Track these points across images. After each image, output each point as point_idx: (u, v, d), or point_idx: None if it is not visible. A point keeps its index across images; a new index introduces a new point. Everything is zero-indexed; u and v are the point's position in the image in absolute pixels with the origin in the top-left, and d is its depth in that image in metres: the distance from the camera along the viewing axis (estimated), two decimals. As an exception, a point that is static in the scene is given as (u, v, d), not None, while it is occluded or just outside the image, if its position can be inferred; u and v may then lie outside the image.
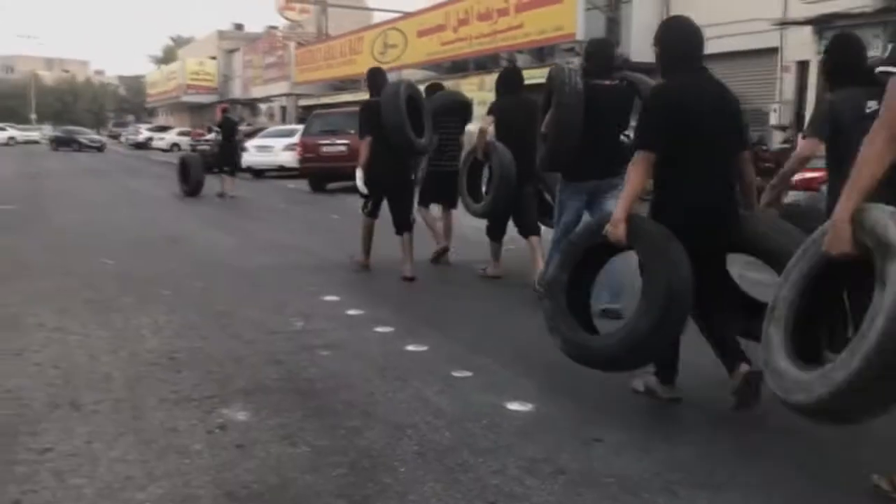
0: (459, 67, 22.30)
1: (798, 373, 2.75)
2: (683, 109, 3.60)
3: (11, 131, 55.18)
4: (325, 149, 16.35)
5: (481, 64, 22.09)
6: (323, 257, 8.05)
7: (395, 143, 6.67)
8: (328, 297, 6.05)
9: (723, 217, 3.71)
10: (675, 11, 17.28)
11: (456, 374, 4.18)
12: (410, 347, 4.68)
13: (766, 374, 2.93)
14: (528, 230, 6.56)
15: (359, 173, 6.97)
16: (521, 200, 6.43)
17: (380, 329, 5.10)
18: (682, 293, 3.43)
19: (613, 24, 18.28)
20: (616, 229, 3.58)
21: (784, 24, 14.48)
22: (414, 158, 7.21)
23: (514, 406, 3.70)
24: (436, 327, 5.19)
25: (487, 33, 20.46)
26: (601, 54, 5.19)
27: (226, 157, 15.32)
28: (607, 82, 5.20)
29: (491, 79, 20.04)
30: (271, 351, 4.60)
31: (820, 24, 13.68)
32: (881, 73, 3.10)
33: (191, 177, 15.11)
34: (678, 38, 3.82)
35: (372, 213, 7.14)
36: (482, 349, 4.65)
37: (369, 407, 3.68)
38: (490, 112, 6.51)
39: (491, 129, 6.47)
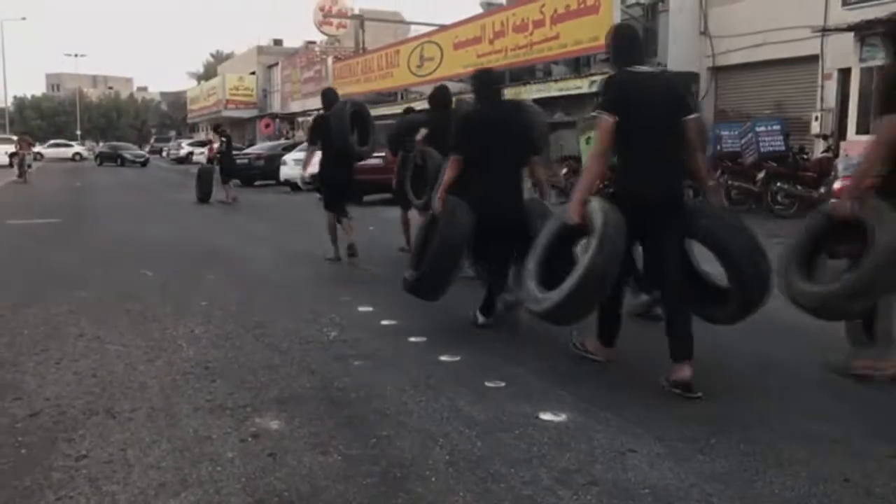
0: (495, 79, 22.30)
1: (537, 293, 4.40)
2: (484, 127, 5.32)
3: (77, 147, 56.20)
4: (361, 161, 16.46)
5: (517, 75, 22.06)
6: (358, 268, 8.08)
7: (339, 150, 8.30)
8: (362, 308, 6.06)
9: (507, 204, 5.27)
10: (712, 20, 17.15)
11: (489, 383, 4.15)
12: (444, 357, 4.66)
13: (524, 290, 4.63)
14: None
15: (300, 171, 9.77)
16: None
17: (413, 339, 5.10)
18: (451, 245, 5.19)
19: (650, 33, 18.15)
20: (437, 204, 5.35)
21: (825, 31, 14.24)
22: (355, 161, 8.72)
23: (547, 416, 3.66)
24: (469, 338, 5.17)
25: (523, 45, 20.40)
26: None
27: (225, 168, 17.77)
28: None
29: (528, 89, 20.06)
30: (305, 360, 4.62)
31: (862, 30, 13.42)
32: (594, 115, 4.37)
33: (202, 185, 17.36)
34: (485, 80, 5.59)
35: (328, 207, 8.63)
36: (515, 359, 4.62)
37: (401, 416, 3.67)
38: (425, 124, 7.60)
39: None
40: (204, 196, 17.36)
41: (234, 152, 26.42)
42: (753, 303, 4.25)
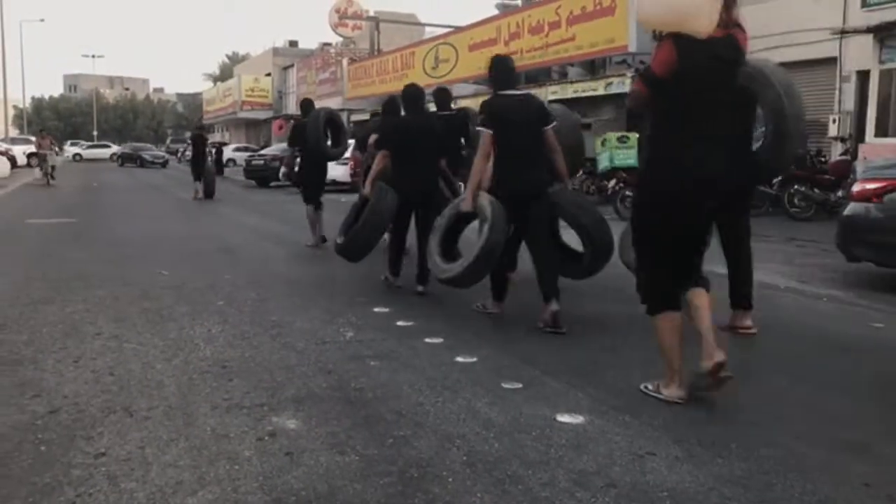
0: (511, 81, 22.24)
1: (443, 264, 5.87)
2: (404, 130, 6.89)
3: (115, 148, 56.83)
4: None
5: (533, 77, 22.03)
6: (373, 269, 8.07)
7: (314, 152, 9.96)
8: (378, 309, 6.06)
9: (427, 193, 6.76)
10: (729, 22, 17.05)
11: (506, 385, 4.14)
12: (460, 359, 4.65)
13: (430, 264, 6.18)
14: None
15: (283, 169, 12.38)
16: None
17: (430, 340, 5.09)
18: (373, 223, 6.76)
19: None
20: (367, 189, 6.94)
21: (843, 32, 14.15)
22: (328, 161, 10.58)
23: (564, 418, 3.65)
24: (486, 339, 5.16)
25: (539, 46, 20.40)
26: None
27: (196, 167, 19.75)
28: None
29: (543, 91, 20.02)
30: (322, 360, 4.62)
31: (881, 32, 13.34)
32: (477, 130, 5.84)
33: (206, 184, 19.50)
34: (410, 95, 6.98)
35: (307, 201, 10.25)
36: (533, 361, 4.61)
37: (418, 417, 3.67)
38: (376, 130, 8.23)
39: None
40: (208, 193, 19.43)
41: (251, 154, 27.17)
42: (601, 262, 6.02)
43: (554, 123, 5.71)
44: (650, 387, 4.02)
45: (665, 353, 3.95)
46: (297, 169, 10.55)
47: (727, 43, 3.83)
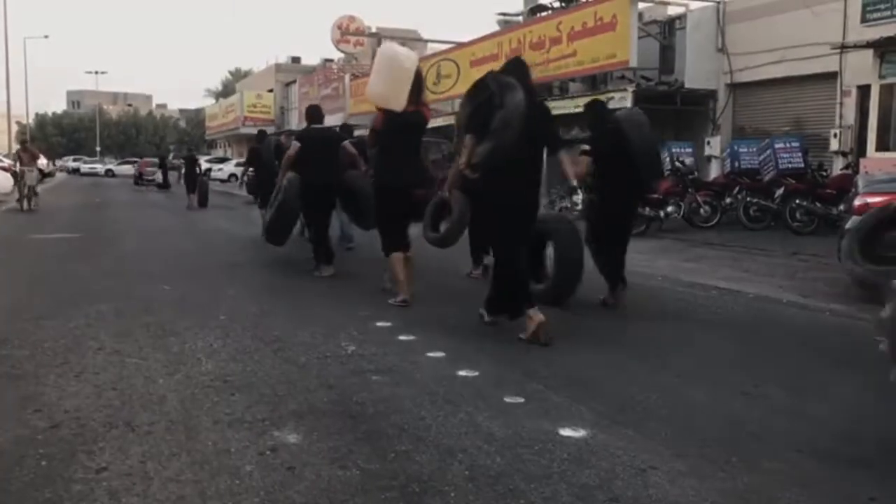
0: (512, 96, 22.29)
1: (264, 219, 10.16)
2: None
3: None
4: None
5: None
6: (376, 284, 8.07)
7: (267, 171, 12.46)
8: (380, 323, 6.06)
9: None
10: (730, 37, 17.14)
11: (508, 399, 4.13)
12: (462, 373, 4.65)
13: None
14: None
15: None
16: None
17: (431, 354, 5.09)
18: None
19: (667, 50, 18.15)
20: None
21: (844, 47, 14.19)
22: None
23: (567, 432, 3.64)
24: (488, 353, 5.15)
25: (540, 62, 20.40)
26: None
27: (188, 180, 23.28)
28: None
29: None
30: (323, 375, 4.62)
31: (881, 47, 13.37)
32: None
33: (200, 193, 22.75)
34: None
35: (262, 206, 12.46)
36: (535, 375, 4.60)
37: (420, 431, 3.66)
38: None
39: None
40: (202, 202, 22.48)
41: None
42: (367, 221, 8.71)
43: (347, 143, 8.97)
44: (391, 300, 6.80)
45: (395, 275, 6.88)
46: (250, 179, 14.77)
47: (415, 115, 6.92)
